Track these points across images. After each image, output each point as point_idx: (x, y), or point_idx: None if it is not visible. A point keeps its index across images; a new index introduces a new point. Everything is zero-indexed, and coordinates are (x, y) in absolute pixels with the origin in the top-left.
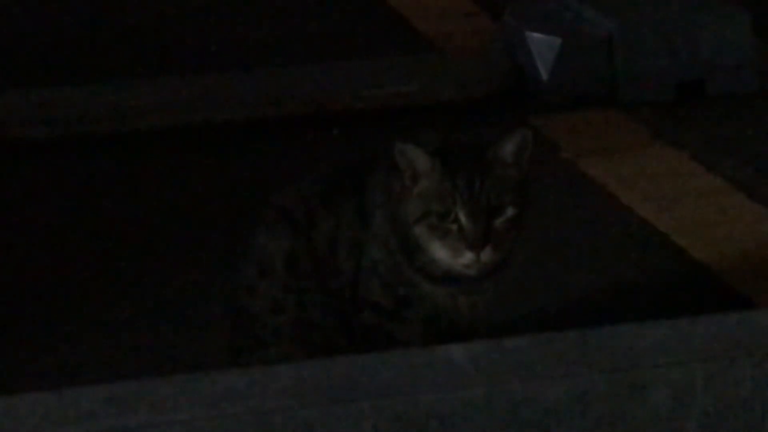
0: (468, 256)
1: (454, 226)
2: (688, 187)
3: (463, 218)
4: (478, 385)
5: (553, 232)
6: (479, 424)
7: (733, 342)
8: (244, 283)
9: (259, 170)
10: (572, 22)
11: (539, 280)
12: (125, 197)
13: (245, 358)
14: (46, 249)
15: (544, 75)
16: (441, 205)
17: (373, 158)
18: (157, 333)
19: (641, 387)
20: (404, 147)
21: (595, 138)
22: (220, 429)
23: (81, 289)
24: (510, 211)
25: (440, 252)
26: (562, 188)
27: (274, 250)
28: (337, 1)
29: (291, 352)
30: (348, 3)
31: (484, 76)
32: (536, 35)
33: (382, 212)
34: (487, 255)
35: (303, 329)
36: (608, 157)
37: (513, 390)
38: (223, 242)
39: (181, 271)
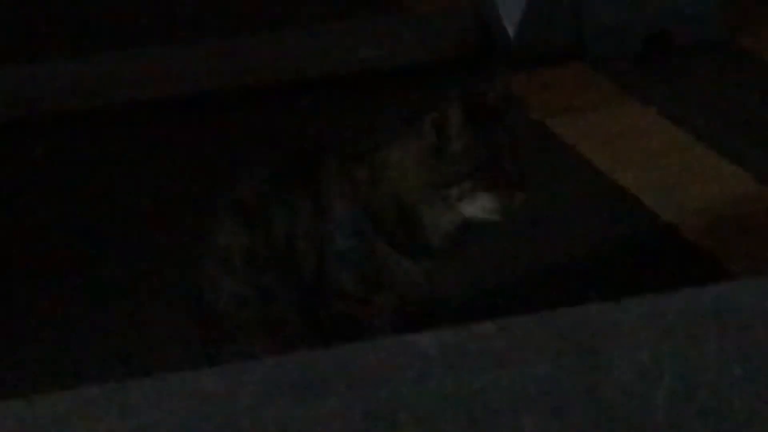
0: (519, 196)
1: (502, 175)
2: (656, 145)
3: (508, 165)
4: (447, 375)
5: None
6: (450, 415)
7: (698, 318)
8: (206, 279)
9: (224, 144)
10: None
11: (504, 243)
12: (98, 176)
13: (214, 352)
14: (21, 230)
15: (511, 32)
16: (484, 157)
17: (319, 148)
18: (133, 313)
19: (608, 368)
20: (443, 113)
21: (563, 96)
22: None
23: (60, 274)
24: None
25: (489, 203)
26: (531, 149)
27: (232, 246)
28: None
29: (259, 347)
30: None
31: (451, 36)
32: None
33: (343, 201)
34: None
35: (268, 323)
36: (577, 116)
37: (482, 378)
38: (196, 217)
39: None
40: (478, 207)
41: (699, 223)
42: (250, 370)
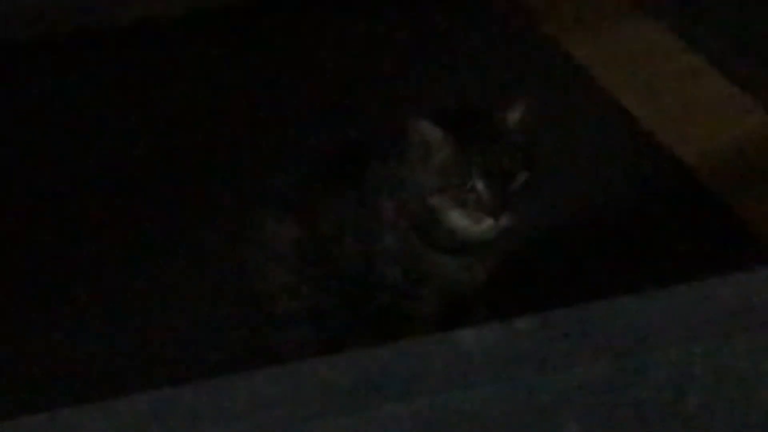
0: (488, 223)
1: (472, 196)
2: (669, 69)
3: (480, 188)
4: (493, 378)
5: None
6: (497, 417)
7: (728, 312)
8: (255, 267)
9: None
10: None
11: None
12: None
13: (262, 340)
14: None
15: None
16: (458, 177)
17: (366, 144)
18: (161, 269)
19: (644, 369)
20: (417, 124)
21: (574, 7)
22: None
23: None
24: (522, 176)
25: (460, 221)
26: (542, 71)
27: (281, 238)
28: None
29: (306, 336)
30: None
31: None
32: None
33: (386, 200)
34: (504, 219)
35: (317, 313)
36: (588, 32)
37: (526, 380)
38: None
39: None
40: (451, 222)
41: (709, 161)
42: (298, 373)
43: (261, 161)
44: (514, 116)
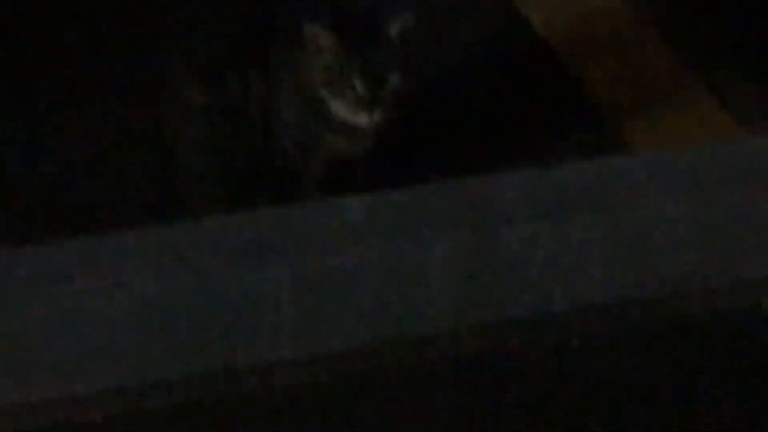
0: (362, 116)
1: (352, 91)
2: None
3: (358, 85)
4: (373, 244)
5: None
6: (375, 279)
7: (572, 195)
8: (169, 124)
9: None
10: None
11: None
12: None
13: (172, 193)
14: None
15: None
16: (341, 74)
17: (272, 30)
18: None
19: (497, 241)
20: (311, 28)
21: None
22: (163, 290)
23: None
24: (396, 79)
25: (341, 111)
26: None
27: (192, 100)
28: None
29: (213, 190)
30: None
31: None
32: None
33: (286, 80)
34: (377, 115)
35: (223, 170)
36: None
37: (401, 247)
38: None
39: None
40: (334, 111)
41: (566, 36)
42: (185, 230)
43: (179, 29)
44: (393, 29)
